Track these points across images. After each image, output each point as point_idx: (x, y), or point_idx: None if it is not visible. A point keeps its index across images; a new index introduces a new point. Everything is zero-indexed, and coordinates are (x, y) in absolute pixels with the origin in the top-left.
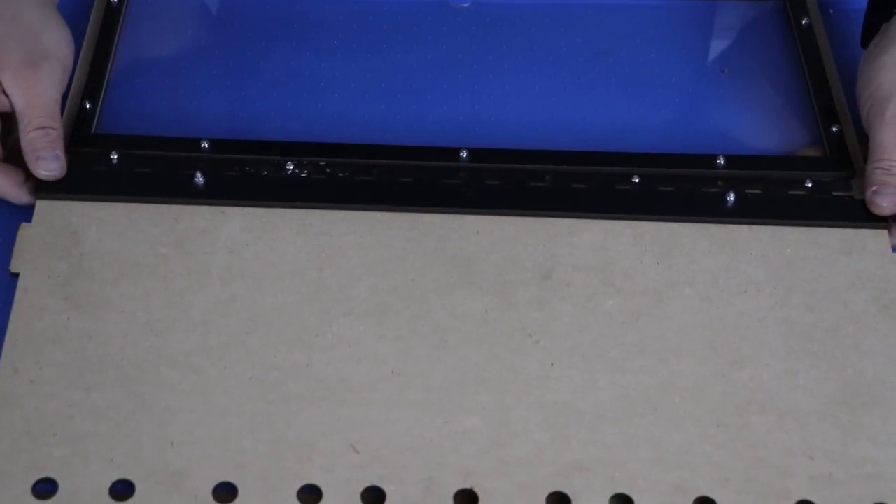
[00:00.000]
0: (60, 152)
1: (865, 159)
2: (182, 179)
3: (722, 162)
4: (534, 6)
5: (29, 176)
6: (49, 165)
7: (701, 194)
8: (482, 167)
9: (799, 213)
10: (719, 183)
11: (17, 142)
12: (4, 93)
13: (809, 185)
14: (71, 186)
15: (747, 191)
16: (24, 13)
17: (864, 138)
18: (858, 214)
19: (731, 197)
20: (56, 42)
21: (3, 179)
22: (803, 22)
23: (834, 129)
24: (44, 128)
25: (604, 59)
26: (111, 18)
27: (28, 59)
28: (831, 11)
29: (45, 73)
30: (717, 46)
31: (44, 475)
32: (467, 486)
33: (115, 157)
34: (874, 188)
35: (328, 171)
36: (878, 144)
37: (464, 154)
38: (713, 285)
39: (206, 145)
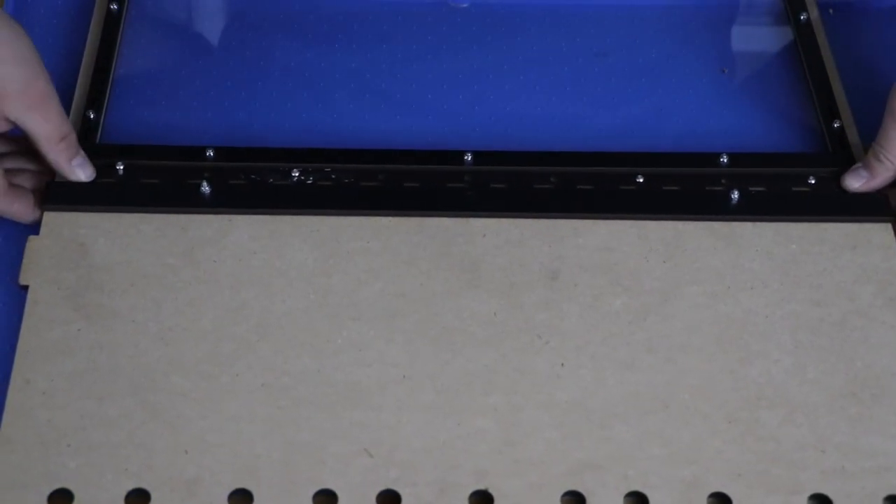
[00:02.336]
0: (83, 152)
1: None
2: (188, 189)
3: (725, 160)
4: (534, 6)
5: (36, 195)
6: (87, 169)
7: (705, 193)
8: (487, 170)
9: (803, 209)
10: (723, 181)
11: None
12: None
13: (812, 181)
14: (77, 198)
15: (751, 188)
16: None
17: (864, 133)
18: (862, 208)
19: (735, 194)
20: (29, 47)
21: (18, 206)
22: (802, 18)
23: (835, 125)
24: (66, 137)
25: (604, 59)
26: (111, 26)
27: (24, 79)
28: (831, 11)
29: (45, 85)
30: (717, 45)
31: (59, 486)
32: (481, 486)
33: (121, 167)
34: (858, 165)
35: (333, 177)
36: (885, 133)
37: (468, 157)
38: (719, 282)
39: (212, 153)
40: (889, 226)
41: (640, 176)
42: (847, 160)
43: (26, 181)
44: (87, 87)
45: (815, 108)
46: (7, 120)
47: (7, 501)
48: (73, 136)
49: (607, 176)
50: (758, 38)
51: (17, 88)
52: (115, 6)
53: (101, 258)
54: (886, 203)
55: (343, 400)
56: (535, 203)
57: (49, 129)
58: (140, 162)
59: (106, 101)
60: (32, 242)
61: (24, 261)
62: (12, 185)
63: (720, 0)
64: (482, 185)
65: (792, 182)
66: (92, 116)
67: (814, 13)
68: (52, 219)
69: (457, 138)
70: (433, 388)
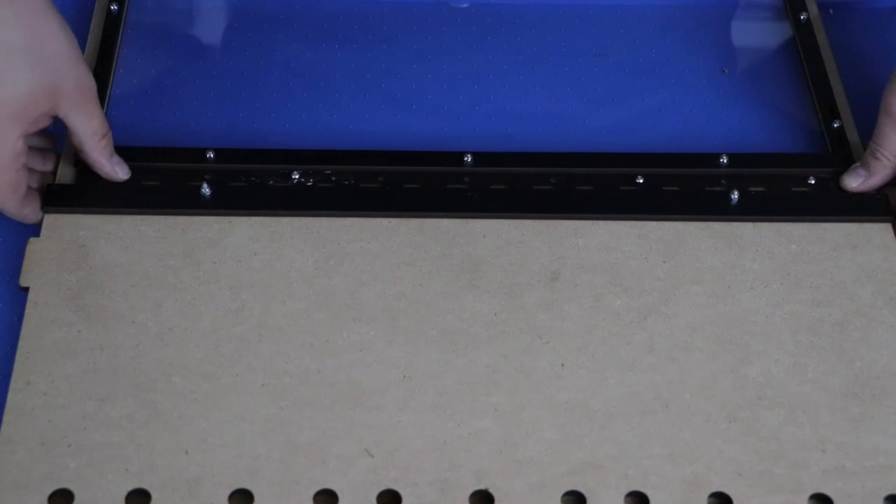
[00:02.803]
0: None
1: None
2: (189, 190)
3: (725, 161)
4: (534, 6)
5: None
6: (124, 167)
7: (705, 193)
8: (487, 171)
9: (803, 209)
10: (723, 181)
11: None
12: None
13: (812, 181)
14: (78, 200)
15: (751, 188)
16: (46, 24)
17: (864, 133)
18: (862, 208)
19: (735, 195)
20: (76, 43)
21: (28, 210)
22: (802, 17)
23: (835, 126)
24: (106, 134)
25: (604, 59)
26: (111, 27)
27: (77, 77)
28: (831, 11)
29: (92, 83)
30: (717, 46)
31: (59, 486)
32: (482, 486)
33: None
34: (856, 164)
35: (334, 179)
36: (880, 130)
37: (468, 158)
38: (720, 282)
39: (212, 155)
40: (889, 226)
41: (640, 177)
42: (847, 160)
43: (34, 181)
44: None
45: (815, 109)
46: (50, 117)
47: (8, 502)
48: (111, 135)
49: (607, 177)
50: (758, 37)
51: (71, 86)
52: (115, 7)
53: (101, 259)
54: (886, 203)
55: (344, 400)
56: (536, 204)
57: (94, 125)
58: (140, 164)
59: (106, 102)
60: (33, 244)
61: (25, 262)
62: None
63: (720, 0)
64: (482, 187)
65: (792, 182)
66: None
67: (814, 13)
68: (52, 221)
69: (457, 138)
70: (434, 389)
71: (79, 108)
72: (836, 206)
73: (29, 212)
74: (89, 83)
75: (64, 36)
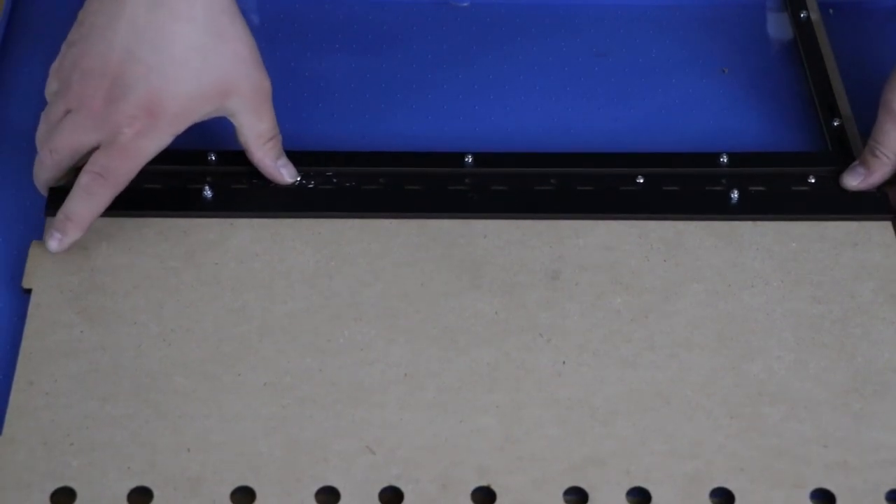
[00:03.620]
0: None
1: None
2: (190, 193)
3: (725, 160)
4: (534, 6)
5: None
6: (290, 170)
7: (705, 192)
8: (487, 172)
9: (803, 208)
10: (723, 180)
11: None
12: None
13: (812, 179)
14: None
15: (751, 187)
16: (231, 25)
17: (865, 132)
18: (862, 206)
19: (735, 194)
20: (252, 41)
21: None
22: (802, 16)
23: (835, 124)
24: (274, 137)
25: (604, 59)
26: None
27: (256, 81)
28: (831, 11)
29: (269, 88)
30: (718, 45)
31: (62, 484)
32: (484, 483)
33: None
34: (855, 163)
35: (335, 180)
36: (880, 127)
37: (469, 159)
38: (720, 281)
39: (213, 157)
40: (889, 224)
41: (640, 176)
42: (847, 159)
43: None
44: None
45: (815, 107)
46: (215, 115)
47: (10, 500)
48: (280, 138)
49: (608, 177)
50: (758, 37)
51: (247, 88)
52: None
53: (103, 261)
54: (886, 201)
55: (345, 398)
56: (536, 204)
57: (262, 128)
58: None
59: None
60: (36, 247)
61: (28, 265)
62: None
63: (720, 0)
64: (483, 187)
65: (792, 181)
66: None
67: (814, 12)
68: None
69: (457, 139)
70: (435, 387)
71: (250, 109)
72: (836, 204)
73: None
74: (265, 86)
75: (245, 37)
